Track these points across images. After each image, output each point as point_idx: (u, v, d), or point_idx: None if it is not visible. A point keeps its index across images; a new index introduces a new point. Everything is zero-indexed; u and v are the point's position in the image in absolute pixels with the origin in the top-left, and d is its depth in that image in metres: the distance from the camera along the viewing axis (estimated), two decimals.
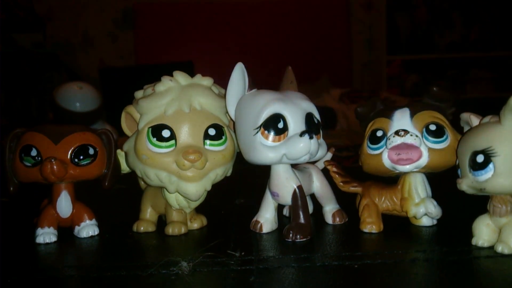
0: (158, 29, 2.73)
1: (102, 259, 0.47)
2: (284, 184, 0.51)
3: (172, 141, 0.50)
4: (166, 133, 0.50)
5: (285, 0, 2.82)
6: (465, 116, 0.48)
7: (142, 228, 0.55)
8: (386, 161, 0.50)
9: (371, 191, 0.54)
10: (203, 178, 0.51)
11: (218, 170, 0.52)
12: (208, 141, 0.51)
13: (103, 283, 0.40)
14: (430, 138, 0.49)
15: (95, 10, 2.82)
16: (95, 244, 0.52)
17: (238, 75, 0.51)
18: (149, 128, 0.50)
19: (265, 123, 0.48)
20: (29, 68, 2.31)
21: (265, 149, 0.48)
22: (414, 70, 2.84)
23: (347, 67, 2.86)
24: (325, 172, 0.58)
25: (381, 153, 0.50)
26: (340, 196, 0.57)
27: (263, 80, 0.74)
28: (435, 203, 0.51)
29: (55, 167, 0.50)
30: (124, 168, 0.56)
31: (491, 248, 0.44)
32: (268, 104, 0.48)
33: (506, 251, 0.43)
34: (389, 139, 0.50)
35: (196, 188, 0.50)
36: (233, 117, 0.52)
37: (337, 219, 0.56)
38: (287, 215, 0.60)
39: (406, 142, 0.49)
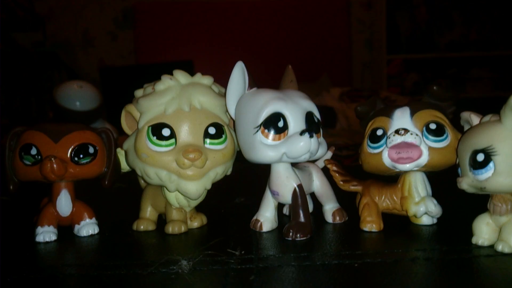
0: (158, 29, 2.73)
1: (102, 258, 0.47)
2: (284, 183, 0.51)
3: (172, 140, 0.50)
4: (166, 132, 0.50)
5: None
6: (465, 115, 0.48)
7: (142, 227, 0.55)
8: (386, 160, 0.50)
9: (371, 190, 0.54)
10: (203, 177, 0.51)
11: (218, 169, 0.52)
12: (208, 140, 0.51)
13: (103, 282, 0.40)
14: (430, 137, 0.49)
15: (95, 10, 2.82)
16: (95, 242, 0.52)
17: (238, 74, 0.51)
18: (149, 126, 0.50)
19: (265, 122, 0.48)
20: (29, 67, 2.31)
21: (265, 148, 0.48)
22: (414, 69, 2.84)
23: (347, 66, 2.86)
24: (325, 171, 0.58)
25: (381, 152, 0.50)
26: (340, 195, 0.57)
27: (263, 79, 0.74)
28: (435, 202, 0.51)
29: (55, 165, 0.50)
30: (124, 167, 0.56)
31: (491, 247, 0.44)
32: (268, 103, 0.48)
33: (506, 250, 0.42)
34: (389, 138, 0.50)
35: (196, 186, 0.50)
36: (233, 116, 0.52)
37: (337, 218, 0.56)
38: (287, 214, 0.60)
39: (406, 141, 0.49)
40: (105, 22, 2.84)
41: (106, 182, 0.54)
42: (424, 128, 0.49)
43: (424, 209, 0.50)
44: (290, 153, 0.48)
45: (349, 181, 0.56)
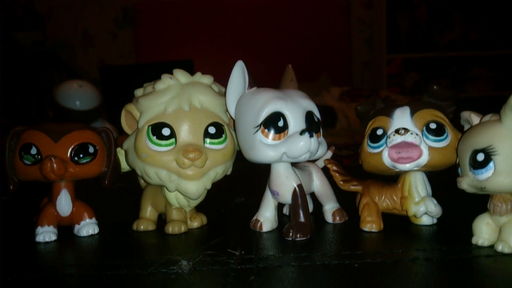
0: (158, 28, 2.73)
1: (102, 258, 0.47)
2: (284, 183, 0.51)
3: (172, 140, 0.50)
4: (166, 131, 0.50)
5: None
6: (465, 114, 0.48)
7: (142, 227, 0.55)
8: (386, 159, 0.50)
9: (371, 190, 0.54)
10: (203, 176, 0.51)
11: (218, 169, 0.52)
12: (208, 140, 0.51)
13: (103, 282, 0.40)
14: (430, 136, 0.49)
15: (95, 9, 2.82)
16: (95, 242, 0.52)
17: (238, 73, 0.51)
18: (149, 126, 0.50)
19: (265, 122, 0.48)
20: (29, 67, 2.31)
21: (265, 147, 0.48)
22: (414, 69, 2.84)
23: (347, 65, 2.86)
24: (325, 170, 0.58)
25: (381, 152, 0.50)
26: (340, 195, 0.57)
27: (263, 78, 0.74)
28: (435, 202, 0.51)
29: (55, 165, 0.50)
30: (124, 166, 0.56)
31: (491, 247, 0.44)
32: (268, 102, 0.48)
33: (506, 250, 0.42)
34: (389, 137, 0.49)
35: (196, 186, 0.50)
36: (233, 116, 0.52)
37: (337, 218, 0.56)
38: (287, 214, 0.60)
39: (406, 141, 0.49)
40: (105, 21, 2.84)
41: (106, 182, 0.54)
42: (424, 128, 0.49)
43: (424, 209, 0.50)
44: (290, 152, 0.48)
45: (349, 181, 0.56)
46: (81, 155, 0.52)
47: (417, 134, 0.49)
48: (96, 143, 0.54)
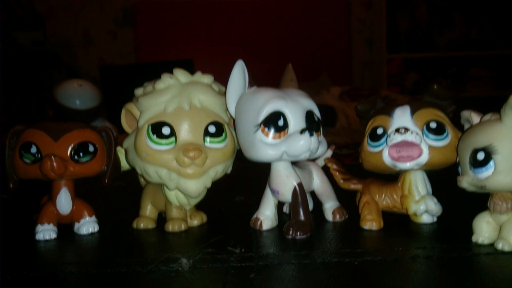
0: (158, 27, 2.73)
1: (102, 256, 0.47)
2: (284, 181, 0.51)
3: (172, 138, 0.50)
4: (166, 130, 0.50)
5: None
6: (465, 114, 0.48)
7: (142, 225, 0.55)
8: (386, 158, 0.50)
9: (371, 189, 0.54)
10: (203, 175, 0.51)
11: (218, 167, 0.52)
12: (208, 138, 0.51)
13: (103, 280, 0.40)
14: (430, 135, 0.49)
15: (95, 8, 2.82)
16: (95, 240, 0.52)
17: (238, 73, 0.51)
18: (149, 125, 0.50)
19: (265, 121, 0.48)
20: (29, 66, 2.31)
21: (265, 146, 0.48)
22: (414, 69, 2.84)
23: (347, 65, 2.86)
24: (325, 169, 0.58)
25: (381, 151, 0.50)
26: (340, 194, 0.57)
27: (263, 77, 0.74)
28: (435, 200, 0.51)
29: (55, 164, 0.50)
30: (124, 165, 0.56)
31: (492, 245, 0.44)
32: (268, 101, 0.48)
33: (506, 248, 0.42)
34: (390, 136, 0.50)
35: (196, 185, 0.50)
36: (233, 115, 0.52)
37: (337, 216, 0.56)
38: (287, 212, 0.60)
39: (407, 140, 0.49)
40: (105, 21, 2.83)
41: (106, 181, 0.54)
42: (425, 127, 0.49)
43: (424, 207, 0.50)
44: (290, 151, 0.48)
45: (349, 180, 0.56)
46: (81, 154, 0.52)
47: (417, 133, 0.49)
48: (96, 142, 0.54)
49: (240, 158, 0.54)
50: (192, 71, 0.53)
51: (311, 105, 0.51)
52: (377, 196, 0.53)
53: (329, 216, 0.56)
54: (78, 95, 1.17)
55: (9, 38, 2.22)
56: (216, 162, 0.51)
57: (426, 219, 0.52)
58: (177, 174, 0.50)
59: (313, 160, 0.57)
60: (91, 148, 0.53)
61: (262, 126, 0.48)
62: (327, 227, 0.54)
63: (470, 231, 0.46)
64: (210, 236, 0.50)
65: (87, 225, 0.54)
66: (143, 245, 0.51)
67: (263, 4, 2.79)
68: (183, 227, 0.53)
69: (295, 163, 0.54)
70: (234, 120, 0.52)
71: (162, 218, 0.57)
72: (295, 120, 0.49)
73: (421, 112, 0.50)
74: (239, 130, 0.51)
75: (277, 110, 0.48)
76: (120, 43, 2.84)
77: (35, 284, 0.40)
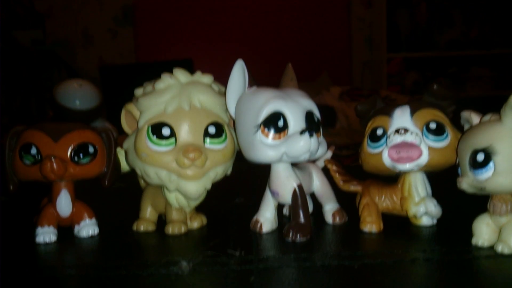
0: (158, 27, 2.73)
1: (102, 259, 0.47)
2: (284, 183, 0.51)
3: (172, 139, 0.50)
4: (166, 131, 0.50)
5: None
6: (465, 114, 0.48)
7: (142, 227, 0.55)
8: (386, 159, 0.50)
9: (371, 190, 0.54)
10: (203, 176, 0.51)
11: (218, 169, 0.52)
12: (208, 139, 0.51)
13: (103, 283, 0.40)
14: (430, 136, 0.49)
15: (95, 7, 2.82)
16: (95, 243, 0.52)
17: (238, 73, 0.51)
18: (149, 126, 0.50)
19: (265, 121, 0.48)
20: (29, 66, 2.31)
21: (265, 147, 0.48)
22: (414, 68, 2.84)
23: (347, 64, 2.86)
24: (325, 171, 0.58)
25: (381, 152, 0.50)
26: (340, 195, 0.57)
27: (263, 77, 0.74)
28: (435, 202, 0.51)
29: (55, 165, 0.50)
30: (124, 166, 0.56)
31: (491, 247, 0.44)
32: (268, 101, 0.48)
33: (506, 251, 0.42)
34: (389, 137, 0.49)
35: (196, 186, 0.50)
36: (233, 115, 0.52)
37: (337, 218, 0.55)
38: (287, 214, 0.59)
39: (406, 141, 0.49)
40: (105, 20, 2.83)
41: (106, 182, 0.54)
42: (424, 128, 0.49)
43: (424, 209, 0.50)
44: (290, 152, 0.48)
45: (349, 181, 0.56)
46: (81, 155, 0.52)
47: (417, 134, 0.49)
48: (96, 143, 0.54)
49: (240, 159, 0.53)
50: (192, 71, 0.53)
51: (311, 106, 0.51)
52: (377, 198, 0.53)
53: (329, 218, 0.56)
54: (78, 95, 1.17)
55: (9, 37, 2.22)
56: (216, 164, 0.51)
57: (425, 221, 0.52)
58: (177, 176, 0.50)
59: (313, 161, 0.57)
60: (91, 149, 0.53)
61: (262, 126, 0.48)
62: (327, 229, 0.54)
63: (470, 234, 0.46)
64: (210, 238, 0.50)
65: (87, 228, 0.54)
66: (143, 248, 0.51)
67: (263, 3, 2.79)
68: (183, 229, 0.53)
69: (295, 165, 0.54)
70: (234, 121, 0.52)
71: (162, 221, 0.57)
72: (295, 121, 0.49)
73: (421, 113, 0.50)
74: (238, 130, 0.51)
75: (277, 111, 0.48)
76: (120, 42, 2.84)
77: (35, 287, 0.40)
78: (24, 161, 0.52)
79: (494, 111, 0.44)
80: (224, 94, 0.52)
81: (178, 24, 2.73)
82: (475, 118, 0.46)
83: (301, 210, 0.50)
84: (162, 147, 0.50)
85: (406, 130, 0.49)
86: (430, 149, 0.49)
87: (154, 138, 0.50)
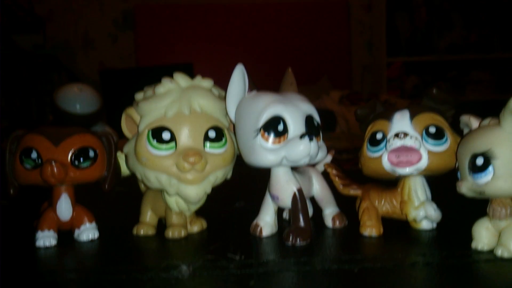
0: (158, 31, 2.73)
1: (102, 263, 0.47)
2: (284, 187, 0.51)
3: (172, 143, 0.50)
4: (166, 135, 0.50)
5: (285, 1, 2.82)
6: (464, 118, 0.48)
7: (142, 232, 0.55)
8: (386, 163, 0.50)
9: (371, 194, 0.54)
10: (203, 180, 0.51)
11: (218, 173, 0.52)
12: (208, 143, 0.51)
13: (103, 287, 0.40)
14: (429, 140, 0.49)
15: (95, 11, 2.82)
16: (95, 247, 0.52)
17: (238, 77, 0.51)
18: (149, 130, 0.50)
19: (265, 125, 0.48)
20: (29, 70, 2.31)
21: (265, 151, 0.48)
22: (414, 72, 2.84)
23: (347, 69, 2.86)
24: (325, 175, 0.58)
25: (381, 156, 0.50)
26: (340, 199, 0.57)
27: (263, 81, 0.74)
28: (434, 206, 0.51)
29: (55, 169, 0.50)
30: (124, 170, 0.56)
31: (491, 251, 0.44)
32: (268, 106, 0.48)
33: (505, 255, 0.42)
34: (389, 141, 0.50)
35: (196, 190, 0.50)
36: (233, 119, 0.52)
37: (337, 222, 0.55)
38: (287, 218, 0.59)
39: (406, 145, 0.49)
40: (105, 24, 2.84)
41: (106, 186, 0.54)
42: (424, 132, 0.49)
43: (423, 213, 0.50)
44: (290, 156, 0.48)
45: (349, 185, 0.56)
46: (81, 159, 0.52)
47: (416, 138, 0.49)
48: (97, 147, 0.54)
49: (240, 163, 0.54)
50: (192, 75, 0.53)
51: (310, 110, 0.51)
52: (376, 202, 0.53)
53: (329, 222, 0.56)
54: (78, 99, 1.17)
55: (9, 41, 2.22)
56: (216, 168, 0.51)
57: (425, 225, 0.52)
58: (177, 180, 0.50)
59: (313, 165, 0.57)
60: (91, 154, 0.53)
61: (261, 130, 0.48)
62: (327, 233, 0.54)
63: (469, 238, 0.46)
64: (210, 242, 0.50)
65: (87, 232, 0.54)
66: (143, 252, 0.51)
67: (263, 7, 2.79)
68: (183, 233, 0.53)
69: (294, 169, 0.54)
70: (234, 125, 0.52)
71: (162, 225, 0.57)
72: (295, 125, 0.49)
73: (420, 117, 0.50)
74: (238, 135, 0.51)
75: (277, 115, 0.48)
76: (120, 46, 2.85)
77: None
78: (25, 165, 0.52)
79: (494, 114, 0.44)
80: (224, 98, 0.52)
81: (178, 28, 2.74)
82: (474, 122, 0.46)
83: (301, 214, 0.50)
84: (162, 151, 0.50)
85: (405, 134, 0.49)
86: (430, 153, 0.49)
87: (154, 142, 0.50)
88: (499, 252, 0.43)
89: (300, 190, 0.51)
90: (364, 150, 0.52)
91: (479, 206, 0.45)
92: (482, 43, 2.80)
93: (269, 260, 0.45)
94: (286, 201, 0.51)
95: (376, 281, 0.40)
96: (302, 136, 0.48)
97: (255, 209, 0.55)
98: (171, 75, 0.53)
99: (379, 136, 0.51)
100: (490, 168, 0.41)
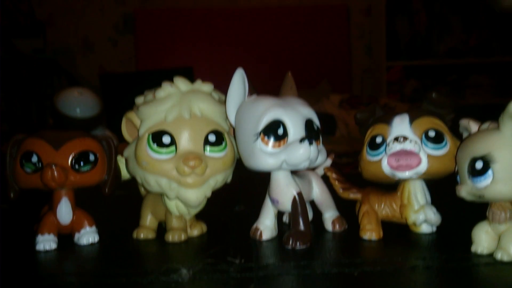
0: (158, 35, 2.74)
1: (102, 266, 0.47)
2: (284, 191, 0.51)
3: (173, 147, 0.50)
4: (166, 139, 0.50)
5: (285, 6, 2.83)
6: (464, 122, 0.48)
7: (142, 235, 0.55)
8: (385, 167, 0.50)
9: (370, 198, 0.54)
10: (203, 184, 0.51)
11: (218, 177, 0.52)
12: (208, 147, 0.51)
13: None
14: (429, 144, 0.49)
15: (96, 16, 2.83)
16: (95, 251, 0.52)
17: (238, 81, 0.51)
18: (149, 134, 0.50)
19: (265, 129, 0.48)
20: (29, 74, 2.32)
21: (265, 155, 0.48)
22: (413, 76, 2.84)
23: (347, 73, 2.87)
24: (324, 178, 0.58)
25: (380, 160, 0.50)
26: (340, 203, 0.57)
27: (263, 86, 0.74)
28: (434, 210, 0.51)
29: (55, 173, 0.50)
30: (125, 174, 0.56)
31: (491, 255, 0.44)
32: (268, 110, 0.48)
33: (505, 258, 0.43)
34: (389, 145, 0.50)
35: (196, 194, 0.51)
36: (233, 123, 0.52)
37: (337, 226, 0.56)
38: (287, 222, 0.60)
39: (406, 149, 0.49)
40: (105, 28, 2.84)
41: (107, 190, 0.54)
42: (423, 136, 0.49)
43: (423, 217, 0.50)
44: (290, 160, 0.48)
45: (349, 189, 0.56)
46: (81, 163, 0.52)
47: (416, 142, 0.49)
48: (97, 151, 0.54)
49: (240, 167, 0.54)
50: (192, 79, 0.54)
51: (310, 114, 0.51)
52: (376, 205, 0.53)
53: (328, 226, 0.56)
54: (79, 103, 1.18)
55: (10, 45, 2.23)
56: (216, 171, 0.51)
57: (425, 229, 0.52)
58: (177, 184, 0.50)
59: (313, 169, 0.57)
60: (91, 157, 0.53)
61: (261, 134, 0.48)
62: (327, 237, 0.54)
63: (469, 241, 0.46)
64: (210, 246, 0.50)
65: (87, 235, 0.54)
66: (143, 256, 0.51)
67: (262, 12, 2.80)
68: (183, 237, 0.53)
69: (294, 172, 0.54)
70: (234, 129, 0.52)
71: (162, 228, 0.57)
72: (295, 129, 0.49)
73: (420, 121, 0.50)
74: (238, 139, 0.51)
75: (277, 119, 0.48)
76: (121, 50, 2.85)
77: None
78: (25, 169, 0.52)
79: (493, 119, 0.44)
80: (224, 102, 0.52)
81: (178, 32, 2.74)
82: (473, 126, 0.46)
83: (301, 218, 0.50)
84: (162, 155, 0.50)
85: (405, 138, 0.49)
86: (429, 157, 0.49)
87: (154, 146, 0.50)
88: (499, 256, 0.43)
89: (300, 194, 0.51)
90: (364, 154, 0.52)
91: (479, 210, 0.45)
92: (482, 47, 2.80)
93: (269, 263, 0.45)
94: (286, 204, 0.51)
95: (376, 285, 0.40)
96: (302, 140, 0.48)
97: (255, 213, 0.55)
98: (171, 79, 0.53)
99: (378, 140, 0.51)
100: (490, 172, 0.41)
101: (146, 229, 0.56)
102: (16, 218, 0.68)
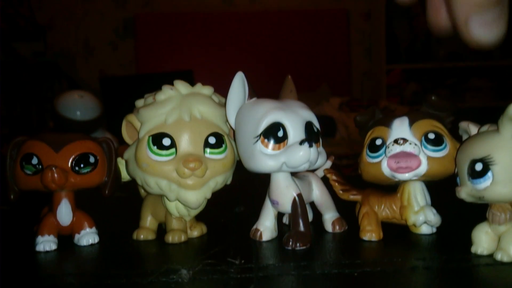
0: (158, 39, 2.75)
1: (102, 267, 0.47)
2: (283, 192, 0.51)
3: (173, 149, 0.50)
4: (166, 142, 0.50)
5: (285, 10, 2.84)
6: (463, 124, 0.48)
7: (142, 236, 0.55)
8: (385, 169, 0.50)
9: (370, 199, 0.54)
10: (203, 186, 0.51)
11: (218, 178, 0.52)
12: (208, 150, 0.51)
13: None
14: (429, 146, 0.49)
15: (96, 19, 2.83)
16: (95, 252, 0.52)
17: (238, 84, 0.51)
18: (149, 136, 0.50)
19: (265, 132, 0.48)
20: (29, 77, 2.32)
21: (265, 157, 0.48)
22: (413, 79, 2.85)
23: (347, 76, 2.87)
24: (324, 180, 0.58)
25: (380, 162, 0.50)
26: (340, 204, 0.57)
27: (263, 89, 0.74)
28: (434, 211, 0.51)
29: (55, 175, 0.50)
30: (125, 176, 0.56)
31: (491, 256, 0.44)
32: (268, 112, 0.49)
33: (505, 259, 0.43)
34: (388, 147, 0.50)
35: (196, 196, 0.51)
36: (233, 126, 0.52)
37: (337, 227, 0.56)
38: (287, 223, 0.60)
39: (405, 151, 0.49)
40: (105, 32, 2.85)
41: (107, 192, 0.55)
42: (423, 138, 0.49)
43: (423, 218, 0.51)
44: (290, 162, 0.48)
45: (349, 190, 0.56)
46: (82, 165, 0.53)
47: (415, 144, 0.49)
48: (97, 153, 0.54)
49: (240, 169, 0.54)
50: (192, 82, 0.54)
51: (310, 116, 0.51)
52: (376, 207, 0.53)
53: (328, 227, 0.56)
54: (79, 106, 1.18)
55: (10, 49, 2.23)
56: (216, 173, 0.51)
57: (425, 230, 0.52)
58: (177, 185, 0.50)
59: (313, 171, 0.57)
60: (92, 159, 0.53)
61: (261, 137, 0.48)
62: (327, 238, 0.54)
63: (469, 242, 0.46)
64: (210, 247, 0.50)
65: (87, 236, 0.54)
66: (143, 257, 0.51)
67: (262, 15, 2.81)
68: (183, 238, 0.53)
69: (294, 174, 0.54)
70: (234, 131, 0.52)
71: (162, 229, 0.57)
72: (295, 131, 0.49)
73: (420, 123, 0.50)
74: (238, 141, 0.51)
75: (277, 121, 0.48)
76: (121, 54, 2.86)
77: None
78: (25, 171, 0.52)
79: (493, 121, 0.44)
80: (224, 105, 0.52)
81: (178, 36, 2.75)
82: (473, 129, 0.47)
83: (300, 219, 0.50)
84: (162, 157, 0.50)
85: (405, 140, 0.49)
86: (429, 158, 0.49)
87: (154, 148, 0.50)
88: (499, 256, 0.43)
89: (300, 195, 0.51)
90: (364, 156, 0.53)
91: (479, 211, 0.45)
92: (481, 50, 2.80)
93: (269, 264, 0.45)
94: (286, 206, 0.51)
95: (376, 285, 0.40)
96: (301, 142, 0.48)
97: (255, 214, 0.55)
98: (171, 82, 0.53)
99: (378, 142, 0.51)
100: (489, 173, 0.41)
101: (146, 230, 0.56)
102: (16, 219, 0.68)
